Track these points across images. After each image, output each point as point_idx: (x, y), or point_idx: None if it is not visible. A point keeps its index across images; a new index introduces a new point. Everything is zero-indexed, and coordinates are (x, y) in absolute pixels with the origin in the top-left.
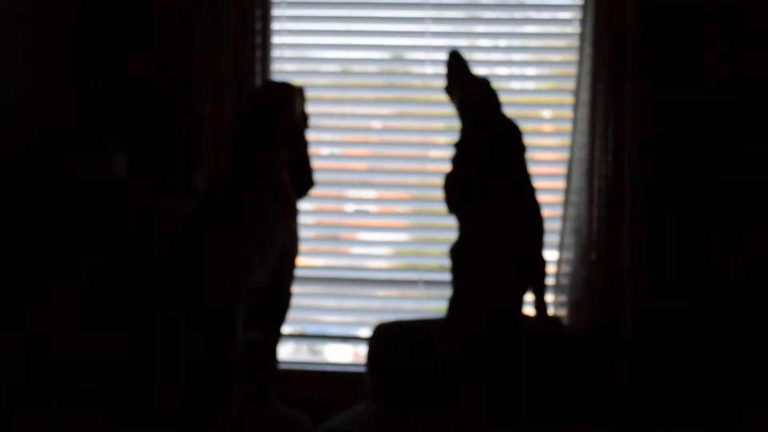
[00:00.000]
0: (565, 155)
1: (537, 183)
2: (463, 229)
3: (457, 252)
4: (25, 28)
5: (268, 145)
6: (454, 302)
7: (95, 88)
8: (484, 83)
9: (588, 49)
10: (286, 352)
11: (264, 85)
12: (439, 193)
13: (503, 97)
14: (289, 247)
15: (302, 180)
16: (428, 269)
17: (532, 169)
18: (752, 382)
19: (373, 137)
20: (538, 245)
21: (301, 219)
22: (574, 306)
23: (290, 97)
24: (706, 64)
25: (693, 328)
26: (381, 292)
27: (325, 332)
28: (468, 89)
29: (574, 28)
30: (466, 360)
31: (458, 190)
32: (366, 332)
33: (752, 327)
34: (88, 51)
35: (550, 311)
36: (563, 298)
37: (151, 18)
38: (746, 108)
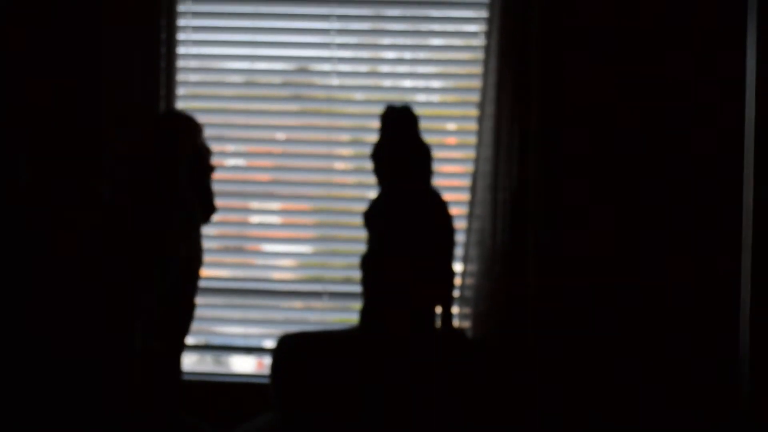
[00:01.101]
0: (469, 168)
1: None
2: (373, 240)
3: (367, 263)
4: None
5: (171, 164)
6: (364, 313)
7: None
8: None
9: (493, 62)
10: (190, 363)
11: (168, 112)
12: (344, 205)
13: None
14: (193, 258)
15: (205, 206)
16: (332, 281)
17: (437, 181)
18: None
19: (277, 149)
20: (447, 257)
21: (206, 230)
22: (478, 317)
23: (193, 126)
24: (609, 75)
25: (595, 337)
26: (285, 303)
27: (229, 343)
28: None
29: (480, 41)
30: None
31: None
32: (270, 343)
33: (655, 332)
34: None
35: (456, 323)
36: (468, 309)
37: (56, 21)
38: (648, 117)
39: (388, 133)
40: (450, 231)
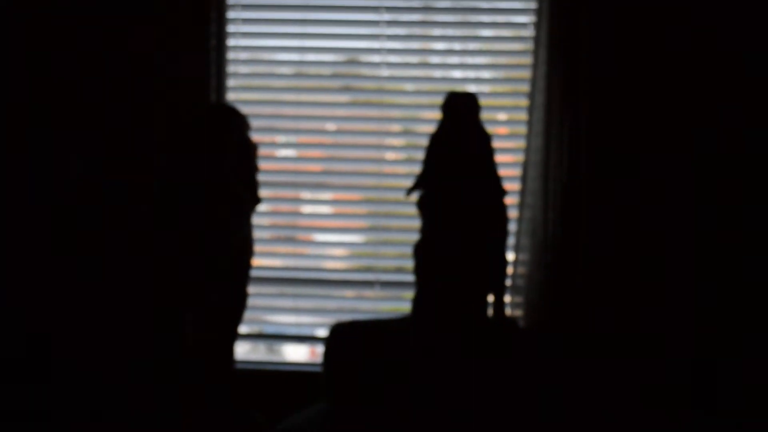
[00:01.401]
0: (520, 158)
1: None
2: (426, 228)
3: (419, 250)
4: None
5: (219, 154)
6: (417, 300)
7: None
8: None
9: (543, 53)
10: (243, 352)
11: (215, 104)
12: (395, 195)
13: None
14: (244, 248)
15: (251, 196)
16: (384, 270)
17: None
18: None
19: (328, 139)
20: (500, 246)
21: (257, 220)
22: (529, 307)
23: (239, 117)
24: (661, 67)
25: (646, 328)
26: (337, 292)
27: (282, 332)
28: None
29: (530, 32)
30: (428, 354)
31: (422, 188)
32: (323, 332)
33: (707, 328)
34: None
35: (507, 311)
36: (519, 299)
37: (105, 21)
38: (701, 110)
39: (447, 119)
40: (504, 219)
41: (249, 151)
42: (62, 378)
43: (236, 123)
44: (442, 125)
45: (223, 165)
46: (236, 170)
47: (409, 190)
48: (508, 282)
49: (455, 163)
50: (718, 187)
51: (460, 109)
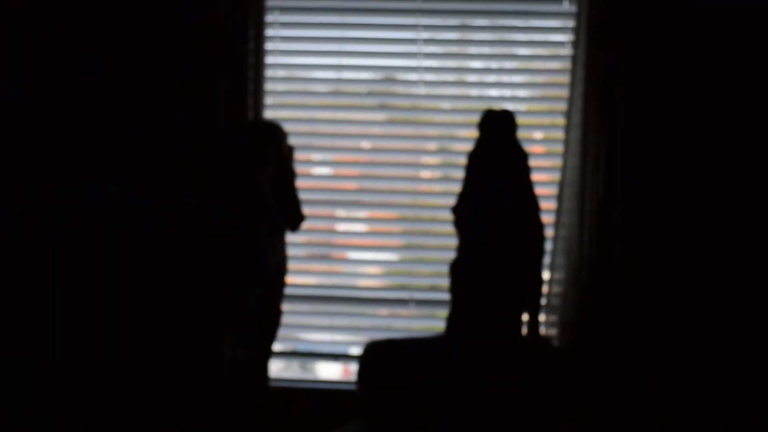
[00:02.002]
0: (556, 177)
1: None
2: (462, 246)
3: (456, 268)
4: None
5: (257, 172)
6: (451, 319)
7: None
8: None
9: (580, 72)
10: (277, 369)
11: (255, 121)
12: (430, 214)
13: None
14: (279, 266)
15: (292, 215)
16: (419, 288)
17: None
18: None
19: (363, 157)
20: (537, 265)
21: (292, 238)
22: (564, 326)
23: (280, 135)
24: (698, 87)
25: (683, 348)
26: (371, 310)
27: (316, 350)
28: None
29: (567, 51)
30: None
31: (460, 207)
32: (357, 350)
33: (746, 346)
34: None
35: (542, 331)
36: (554, 317)
37: (146, 41)
38: (738, 131)
39: (484, 137)
40: (540, 238)
41: (287, 165)
42: (98, 398)
43: (273, 137)
44: (479, 143)
45: (261, 183)
46: (273, 187)
47: (453, 209)
48: (544, 301)
49: (492, 182)
50: (756, 207)
51: (497, 127)
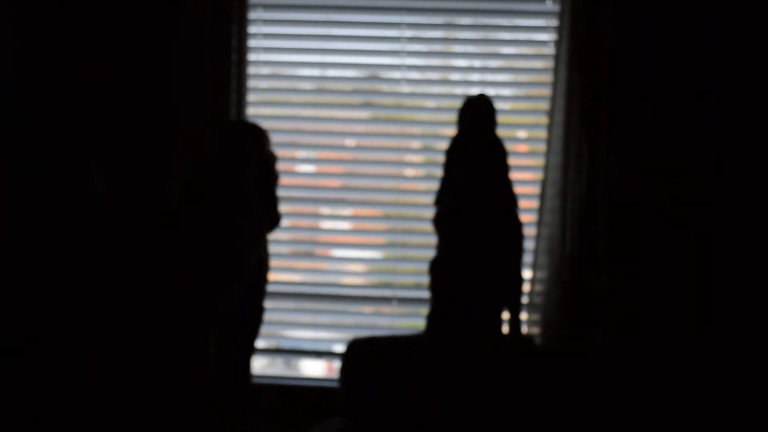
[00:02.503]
0: (539, 175)
1: None
2: (442, 244)
3: (435, 267)
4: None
5: (239, 173)
6: (431, 317)
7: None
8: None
9: (563, 71)
10: (261, 367)
11: (238, 121)
12: (414, 212)
13: None
14: (261, 263)
15: (270, 215)
16: (402, 286)
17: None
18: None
19: (347, 155)
20: (517, 263)
21: (276, 235)
22: (546, 325)
23: (262, 135)
24: (683, 84)
25: (666, 347)
26: (355, 308)
27: (299, 347)
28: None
29: (550, 50)
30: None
31: (439, 204)
32: (340, 348)
33: (731, 344)
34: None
35: (524, 329)
36: (536, 316)
37: (128, 36)
38: (724, 129)
39: (463, 129)
40: (518, 236)
41: (269, 168)
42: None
43: (257, 140)
44: (457, 137)
45: (243, 182)
46: (255, 187)
47: (435, 203)
48: (526, 299)
49: (469, 179)
50: (740, 205)
51: (475, 116)
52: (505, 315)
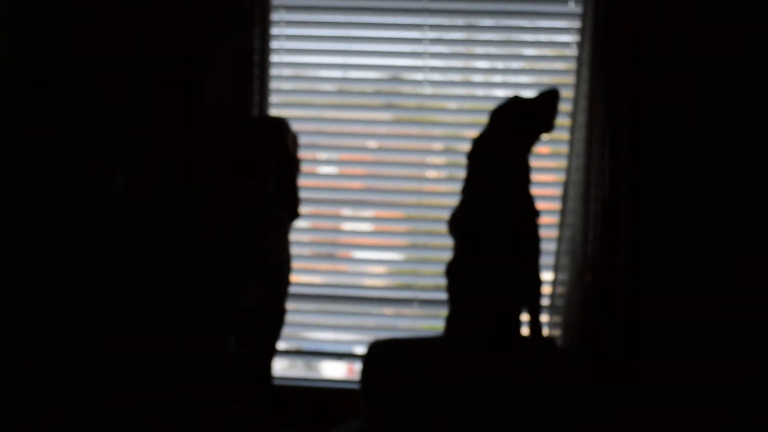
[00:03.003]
0: (561, 177)
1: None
2: (458, 247)
3: (452, 271)
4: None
5: (259, 170)
6: (450, 321)
7: (95, 107)
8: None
9: (585, 72)
10: (282, 368)
11: (259, 116)
12: (435, 213)
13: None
14: (283, 264)
15: (289, 210)
16: (423, 288)
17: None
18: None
19: (369, 156)
20: (533, 265)
21: (298, 237)
22: (568, 327)
23: (284, 131)
24: (704, 87)
25: (687, 350)
26: (376, 310)
27: (320, 349)
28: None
29: (572, 51)
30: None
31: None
32: (361, 349)
33: (753, 348)
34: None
35: (545, 331)
36: (557, 318)
37: (151, 38)
38: (746, 131)
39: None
40: (534, 237)
41: (291, 165)
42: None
43: (276, 134)
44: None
45: (262, 180)
46: (276, 183)
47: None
48: (547, 302)
49: (486, 182)
50: (763, 207)
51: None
52: (525, 317)
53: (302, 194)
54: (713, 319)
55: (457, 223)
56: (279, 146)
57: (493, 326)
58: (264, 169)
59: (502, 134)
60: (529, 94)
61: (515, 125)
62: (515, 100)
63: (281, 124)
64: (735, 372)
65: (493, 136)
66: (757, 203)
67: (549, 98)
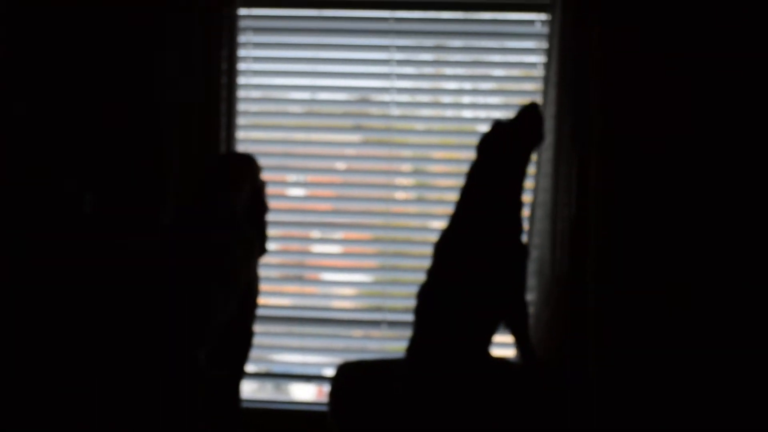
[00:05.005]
0: (528, 198)
1: None
2: (433, 271)
3: (425, 294)
4: None
5: (232, 194)
6: (412, 343)
7: (64, 128)
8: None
9: (552, 93)
10: (251, 390)
11: (231, 151)
12: (404, 235)
13: (470, 140)
14: (251, 286)
15: (258, 247)
16: (392, 310)
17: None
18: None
19: (338, 178)
20: (518, 289)
21: (266, 259)
22: (537, 345)
23: (255, 166)
24: (672, 104)
25: (659, 366)
26: (345, 332)
27: (289, 371)
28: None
29: (539, 72)
30: (423, 399)
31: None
32: (330, 371)
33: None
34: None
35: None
36: None
37: (119, 60)
38: (715, 148)
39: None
40: (518, 266)
41: (260, 201)
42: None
43: (251, 169)
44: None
45: (235, 205)
46: (247, 213)
47: None
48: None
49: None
50: (731, 224)
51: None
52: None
53: (271, 217)
54: (683, 332)
55: (442, 248)
56: (250, 178)
57: (460, 349)
58: (236, 195)
59: (492, 161)
60: (498, 114)
61: (503, 149)
62: (496, 125)
63: (252, 159)
64: (708, 384)
65: (483, 166)
66: (727, 220)
67: (529, 113)
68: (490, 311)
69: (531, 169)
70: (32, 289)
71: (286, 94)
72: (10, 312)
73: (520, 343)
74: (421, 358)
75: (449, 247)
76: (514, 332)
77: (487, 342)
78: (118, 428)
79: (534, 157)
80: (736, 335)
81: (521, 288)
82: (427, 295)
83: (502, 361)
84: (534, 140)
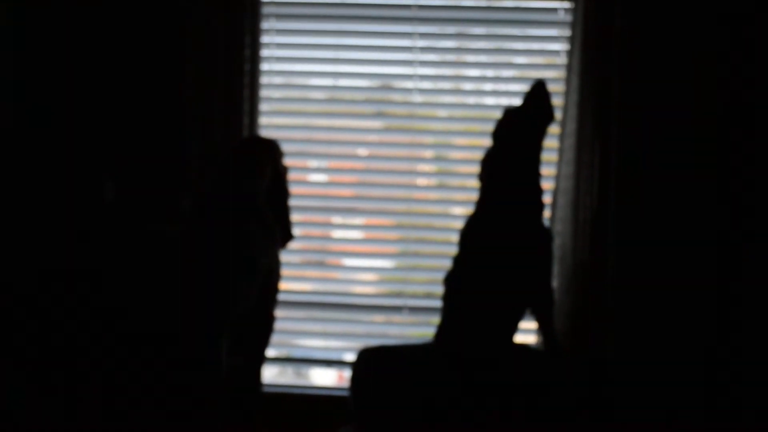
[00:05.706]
0: (550, 185)
1: None
2: (460, 259)
3: (452, 280)
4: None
5: (253, 180)
6: (442, 327)
7: (85, 115)
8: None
9: (575, 81)
10: (272, 375)
11: (253, 135)
12: (425, 221)
13: (491, 127)
14: (272, 272)
15: (282, 232)
16: (413, 296)
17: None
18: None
19: (359, 164)
20: (544, 277)
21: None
22: (558, 333)
23: (277, 150)
24: (695, 94)
25: (677, 355)
26: (366, 317)
27: (310, 356)
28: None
29: (562, 60)
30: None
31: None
32: (350, 357)
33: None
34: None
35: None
36: None
37: (141, 47)
38: (737, 139)
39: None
40: (544, 252)
41: (282, 183)
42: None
43: (273, 153)
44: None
45: (257, 191)
46: (268, 198)
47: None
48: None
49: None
50: (749, 212)
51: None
52: (535, 326)
53: (293, 202)
54: (703, 324)
55: (468, 236)
56: (272, 162)
57: (486, 335)
58: (258, 180)
59: (509, 146)
60: (519, 102)
61: (516, 131)
62: (506, 111)
63: (274, 144)
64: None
65: (500, 151)
66: (749, 208)
67: (536, 91)
68: (518, 297)
69: (552, 156)
70: (53, 276)
71: (309, 80)
72: (32, 300)
73: (544, 330)
74: (451, 345)
75: (475, 235)
76: (539, 318)
77: (514, 328)
78: (142, 415)
79: (554, 143)
80: (757, 326)
81: (548, 273)
82: (455, 281)
83: (525, 348)
84: (544, 118)
